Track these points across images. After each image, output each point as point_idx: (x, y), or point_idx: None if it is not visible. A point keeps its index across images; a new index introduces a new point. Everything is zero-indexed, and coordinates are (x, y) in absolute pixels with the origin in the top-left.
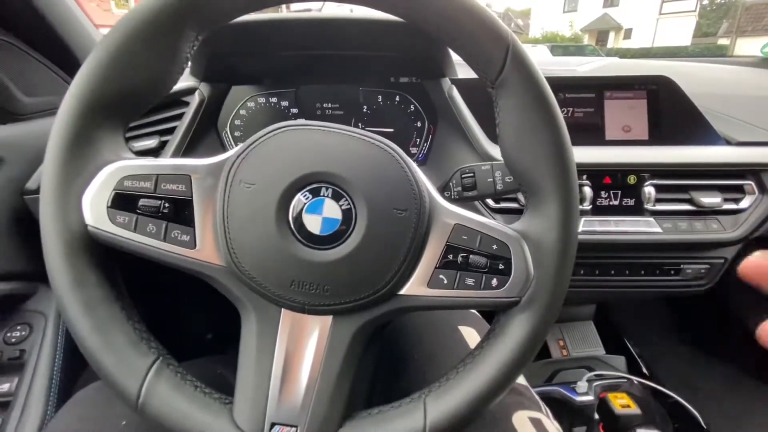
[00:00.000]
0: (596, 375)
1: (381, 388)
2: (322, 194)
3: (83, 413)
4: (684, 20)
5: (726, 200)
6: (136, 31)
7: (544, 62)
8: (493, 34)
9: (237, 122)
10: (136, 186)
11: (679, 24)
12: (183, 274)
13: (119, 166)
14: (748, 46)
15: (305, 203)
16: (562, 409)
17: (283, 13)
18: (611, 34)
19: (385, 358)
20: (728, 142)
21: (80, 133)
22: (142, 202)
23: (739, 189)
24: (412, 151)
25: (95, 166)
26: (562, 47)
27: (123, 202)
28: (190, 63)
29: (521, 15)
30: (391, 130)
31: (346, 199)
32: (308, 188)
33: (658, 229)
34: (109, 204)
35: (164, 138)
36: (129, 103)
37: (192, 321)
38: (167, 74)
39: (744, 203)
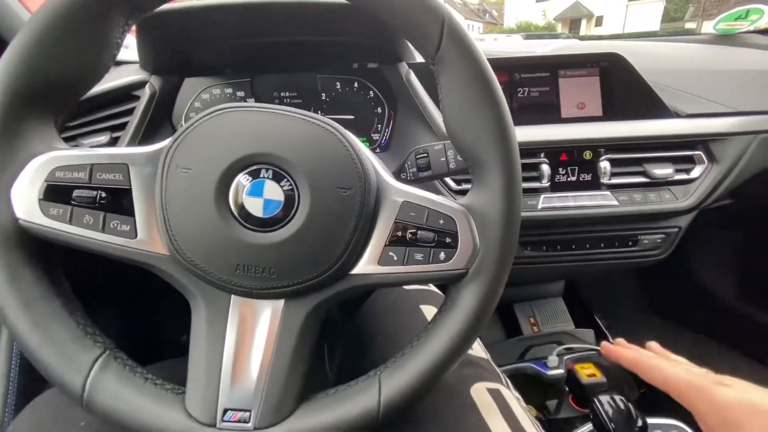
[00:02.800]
0: (566, 349)
1: (347, 371)
2: (262, 176)
3: (40, 417)
4: (652, 6)
5: (677, 171)
6: (60, 16)
7: (507, 45)
8: (427, 9)
9: (192, 115)
10: (69, 177)
11: (648, 10)
12: (156, 276)
13: (50, 157)
14: (713, 24)
15: (245, 186)
16: (534, 384)
17: None
18: (583, 22)
19: (351, 342)
20: (678, 115)
21: (5, 123)
22: (76, 193)
23: (690, 159)
24: (374, 138)
25: (23, 158)
26: (536, 36)
27: (55, 193)
28: (138, 56)
29: (495, 5)
30: (352, 117)
31: (288, 180)
32: (247, 170)
33: (615, 202)
34: (41, 196)
35: (116, 134)
36: (57, 92)
37: (166, 323)
38: (96, 62)
39: (695, 173)
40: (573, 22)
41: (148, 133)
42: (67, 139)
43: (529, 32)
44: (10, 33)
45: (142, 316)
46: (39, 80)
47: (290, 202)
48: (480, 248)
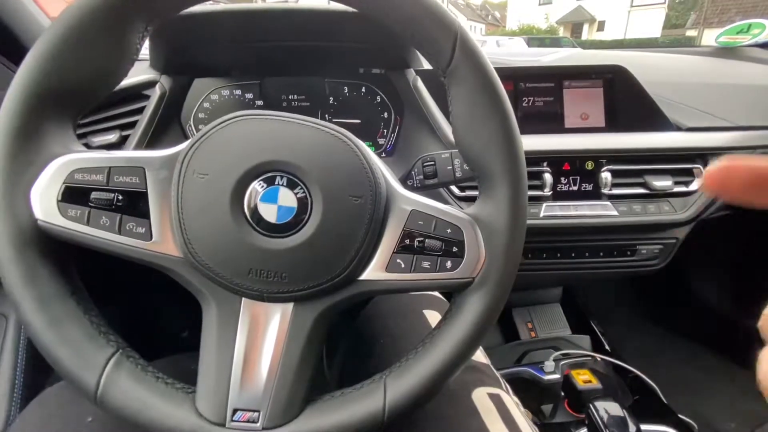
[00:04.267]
0: (562, 354)
1: (349, 373)
2: (276, 183)
3: (47, 412)
4: (654, 12)
5: (677, 183)
6: (82, 22)
7: (512, 53)
8: (440, 23)
9: (201, 115)
10: (88, 179)
11: (650, 16)
12: (157, 273)
13: (69, 159)
14: (715, 37)
15: (260, 192)
16: (531, 388)
17: (249, 3)
18: (585, 26)
19: (354, 344)
20: (679, 128)
21: (26, 125)
22: (94, 195)
23: (689, 172)
24: (380, 143)
25: (43, 160)
26: (538, 39)
27: (74, 195)
28: (149, 56)
29: (498, 7)
30: (358, 121)
31: (301, 188)
32: (263, 177)
33: (615, 212)
34: (60, 198)
35: (125, 132)
36: (77, 96)
37: (168, 319)
38: (116, 66)
39: (693, 186)
40: (575, 26)
41: (157, 132)
42: (77, 137)
43: (531, 35)
44: (29, 37)
45: (141, 312)
46: (59, 84)
47: (303, 209)
48: (486, 258)
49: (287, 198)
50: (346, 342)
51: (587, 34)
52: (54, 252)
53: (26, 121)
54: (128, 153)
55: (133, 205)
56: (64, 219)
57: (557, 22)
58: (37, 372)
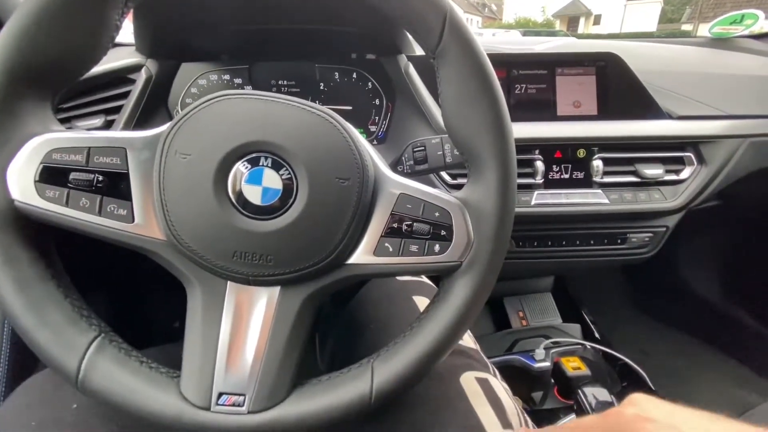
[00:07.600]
0: (553, 342)
1: (340, 360)
2: (261, 164)
3: (31, 400)
4: (650, 7)
5: (667, 171)
6: None
7: (505, 41)
8: (429, 2)
9: (188, 100)
10: (66, 159)
11: (646, 10)
12: (146, 261)
13: (46, 139)
14: (708, 28)
15: (244, 173)
16: (521, 376)
17: None
18: (581, 20)
19: (344, 332)
20: (670, 117)
21: (1, 103)
22: (73, 175)
23: (680, 161)
24: (372, 129)
25: (19, 139)
26: (534, 32)
27: (52, 175)
28: (134, 39)
29: (495, 0)
30: (350, 107)
31: (287, 169)
32: (247, 158)
33: (606, 201)
34: (37, 178)
35: (111, 117)
36: (54, 73)
37: (159, 309)
38: (95, 43)
39: (684, 174)
40: (571, 20)
41: (143, 117)
42: (61, 121)
43: (527, 28)
44: (4, 12)
45: (132, 301)
46: (36, 60)
47: (288, 191)
48: (474, 241)
49: (272, 179)
50: (336, 330)
51: (583, 27)
52: (32, 234)
53: (1, 98)
54: (109, 133)
55: (114, 186)
56: (42, 200)
57: (554, 15)
58: (24, 358)
